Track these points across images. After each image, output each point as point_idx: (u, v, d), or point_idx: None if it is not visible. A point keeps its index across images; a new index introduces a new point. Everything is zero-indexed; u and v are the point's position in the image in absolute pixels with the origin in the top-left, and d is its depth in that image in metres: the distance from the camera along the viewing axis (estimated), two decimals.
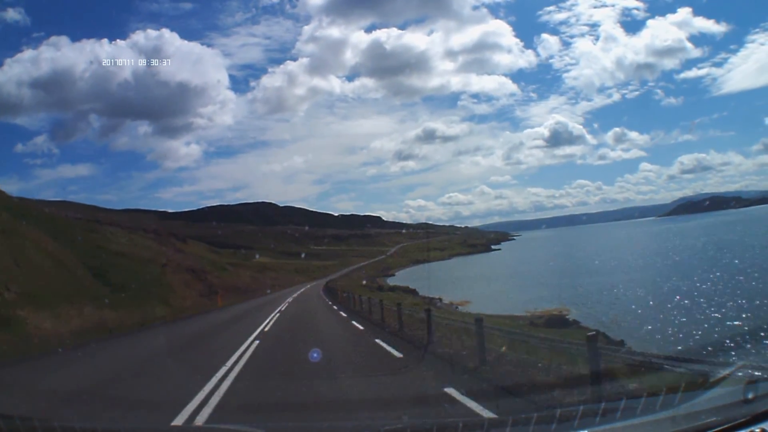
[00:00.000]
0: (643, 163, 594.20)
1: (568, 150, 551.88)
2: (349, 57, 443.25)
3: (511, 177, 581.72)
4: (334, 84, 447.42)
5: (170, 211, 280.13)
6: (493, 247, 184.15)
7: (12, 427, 3.35)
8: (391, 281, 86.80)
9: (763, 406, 2.71)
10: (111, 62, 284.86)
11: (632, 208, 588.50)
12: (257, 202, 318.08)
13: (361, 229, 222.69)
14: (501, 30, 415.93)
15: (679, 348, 21.14)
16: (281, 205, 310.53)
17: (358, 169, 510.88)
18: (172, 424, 6.49)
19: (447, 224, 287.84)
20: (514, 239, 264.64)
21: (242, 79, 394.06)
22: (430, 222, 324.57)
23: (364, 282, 70.17)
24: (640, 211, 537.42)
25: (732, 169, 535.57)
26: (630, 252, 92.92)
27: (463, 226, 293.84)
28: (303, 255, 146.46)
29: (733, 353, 16.81)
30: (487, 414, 6.19)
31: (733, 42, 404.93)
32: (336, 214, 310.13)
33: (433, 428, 3.39)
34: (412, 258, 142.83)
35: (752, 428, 2.63)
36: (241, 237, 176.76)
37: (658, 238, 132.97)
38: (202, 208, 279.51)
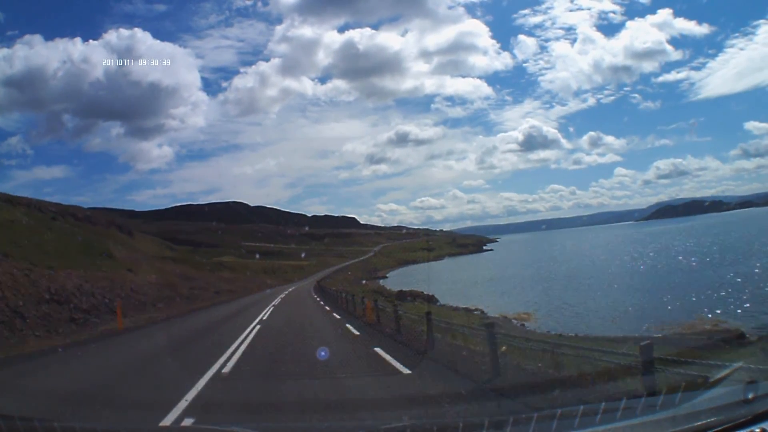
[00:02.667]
0: (618, 167, 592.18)
1: (542, 154, 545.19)
2: (322, 57, 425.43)
3: (485, 181, 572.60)
4: (307, 86, 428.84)
5: (137, 210, 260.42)
6: (485, 247, 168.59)
7: (12, 427, 3.17)
8: (385, 284, 69.36)
9: (763, 406, 2.65)
10: (84, 62, 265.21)
11: (606, 213, 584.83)
12: (227, 202, 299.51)
13: (337, 229, 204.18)
14: (477, 30, 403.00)
15: None
16: (253, 205, 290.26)
17: (330, 173, 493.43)
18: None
19: (420, 228, 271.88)
20: (497, 241, 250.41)
21: (215, 82, 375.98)
22: (403, 225, 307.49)
23: (364, 282, 51.57)
24: (615, 216, 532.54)
25: (709, 174, 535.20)
26: (648, 251, 78.40)
27: (438, 229, 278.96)
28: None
29: None
30: None
31: (712, 46, 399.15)
32: (310, 215, 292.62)
33: (433, 428, 3.22)
34: (398, 258, 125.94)
35: (752, 428, 2.56)
36: (206, 234, 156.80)
37: (661, 238, 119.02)
38: (171, 207, 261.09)
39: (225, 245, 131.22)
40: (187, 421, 6.23)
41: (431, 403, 6.68)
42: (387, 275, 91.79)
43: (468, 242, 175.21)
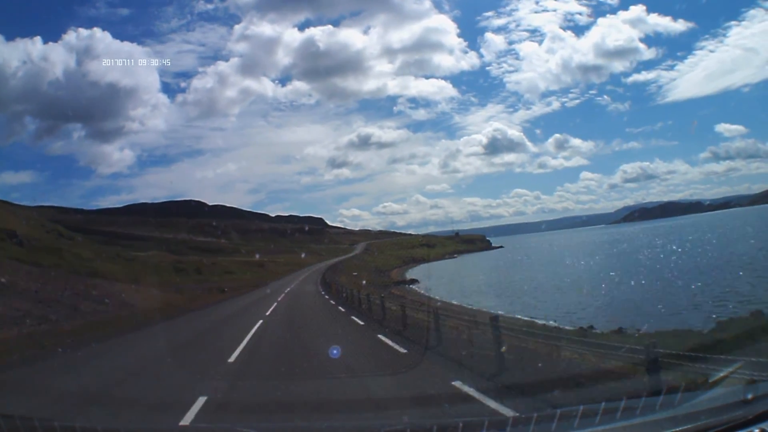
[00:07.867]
0: (585, 171, 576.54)
1: (506, 158, 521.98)
2: (282, 56, 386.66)
3: (448, 186, 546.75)
4: (267, 87, 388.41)
5: (86, 208, 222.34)
6: (493, 244, 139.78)
7: (12, 426, 3.06)
8: (418, 289, 36.42)
9: (763, 406, 2.55)
10: (44, 61, 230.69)
11: (571, 217, 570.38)
12: (183, 200, 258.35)
13: (309, 225, 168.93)
14: (444, 27, 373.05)
15: None
16: (211, 204, 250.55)
17: (292, 178, 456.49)
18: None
19: (386, 231, 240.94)
20: None
21: (176, 87, 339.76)
22: (367, 229, 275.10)
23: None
24: (580, 221, 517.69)
25: (677, 177, 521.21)
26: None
27: (408, 233, 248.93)
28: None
29: None
30: None
31: (681, 48, 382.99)
32: (273, 215, 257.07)
33: (432, 428, 3.07)
34: (400, 256, 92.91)
35: (752, 428, 2.46)
36: (142, 228, 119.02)
37: (676, 233, 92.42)
38: (123, 206, 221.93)
39: (158, 239, 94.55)
40: None
41: None
42: (407, 276, 58.73)
43: (475, 239, 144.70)
